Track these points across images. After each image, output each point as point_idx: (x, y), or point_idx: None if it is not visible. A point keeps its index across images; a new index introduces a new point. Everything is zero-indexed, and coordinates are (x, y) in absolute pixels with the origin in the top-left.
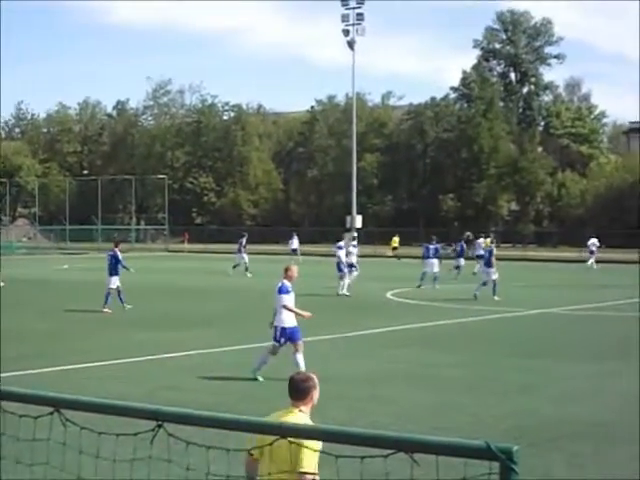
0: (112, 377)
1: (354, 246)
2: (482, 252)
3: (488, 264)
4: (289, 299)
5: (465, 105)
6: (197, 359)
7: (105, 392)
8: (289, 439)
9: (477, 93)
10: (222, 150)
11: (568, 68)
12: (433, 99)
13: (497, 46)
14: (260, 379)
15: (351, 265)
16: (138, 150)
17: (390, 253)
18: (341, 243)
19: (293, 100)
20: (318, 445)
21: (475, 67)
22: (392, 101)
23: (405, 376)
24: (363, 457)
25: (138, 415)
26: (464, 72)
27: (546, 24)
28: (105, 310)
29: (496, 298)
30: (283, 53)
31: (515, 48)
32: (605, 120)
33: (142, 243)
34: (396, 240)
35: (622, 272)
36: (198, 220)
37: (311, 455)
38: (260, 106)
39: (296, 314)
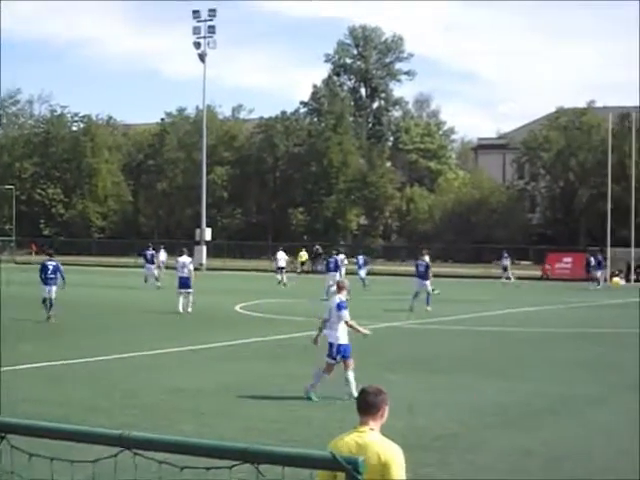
0: None
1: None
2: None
3: (424, 277)
4: (348, 314)
5: (315, 119)
6: (46, 370)
7: None
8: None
9: (327, 108)
10: (71, 161)
11: (418, 84)
12: (284, 113)
13: (348, 61)
14: (314, 399)
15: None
16: None
17: (299, 269)
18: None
19: (143, 112)
20: (402, 456)
21: (326, 82)
22: (243, 114)
23: (253, 389)
24: (208, 468)
25: None
26: (315, 86)
27: (397, 40)
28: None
29: (429, 309)
30: (134, 64)
31: (366, 63)
32: (454, 136)
33: None
34: (303, 255)
35: (467, 286)
36: (46, 231)
37: (402, 471)
38: (110, 117)
39: (355, 330)
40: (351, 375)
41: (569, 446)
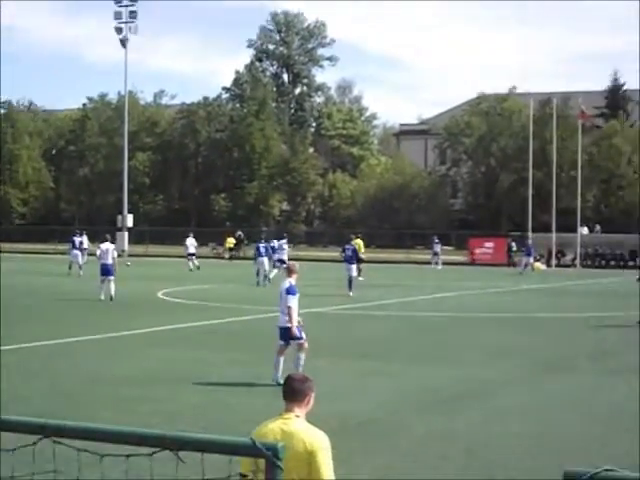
0: None
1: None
2: (284, 256)
3: (351, 261)
4: (295, 301)
5: (238, 105)
6: None
7: None
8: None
9: (249, 93)
10: None
11: (340, 70)
12: (206, 99)
13: (271, 47)
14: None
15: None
16: None
17: (227, 255)
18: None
19: (65, 98)
20: (328, 443)
21: (248, 67)
22: (165, 100)
23: (175, 376)
24: (128, 455)
25: None
26: (237, 72)
27: (320, 26)
28: None
29: (351, 294)
30: (55, 50)
31: (288, 49)
32: (376, 122)
33: None
34: (231, 241)
35: (389, 271)
36: None
37: (329, 459)
38: (31, 103)
39: (290, 321)
40: (281, 360)
41: (489, 430)
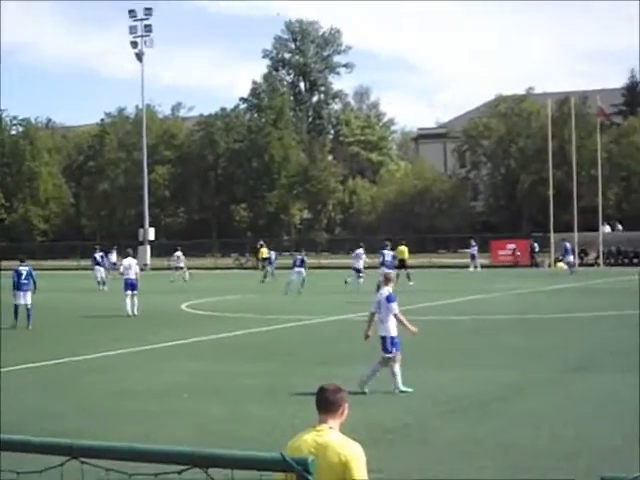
0: None
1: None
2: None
3: (390, 266)
4: (398, 308)
5: (255, 115)
6: None
7: None
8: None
9: (267, 103)
10: (11, 165)
11: (357, 77)
12: (223, 110)
13: (286, 56)
14: (367, 391)
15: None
16: None
17: (260, 265)
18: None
19: (83, 114)
20: (363, 455)
21: (265, 77)
22: (182, 112)
23: (201, 388)
24: (157, 474)
25: None
26: (254, 82)
27: (334, 33)
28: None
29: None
30: (71, 66)
31: (304, 57)
32: (394, 127)
33: None
34: (264, 251)
35: (414, 277)
36: None
37: (364, 470)
38: (49, 120)
39: (403, 325)
40: (397, 368)
41: (519, 434)
